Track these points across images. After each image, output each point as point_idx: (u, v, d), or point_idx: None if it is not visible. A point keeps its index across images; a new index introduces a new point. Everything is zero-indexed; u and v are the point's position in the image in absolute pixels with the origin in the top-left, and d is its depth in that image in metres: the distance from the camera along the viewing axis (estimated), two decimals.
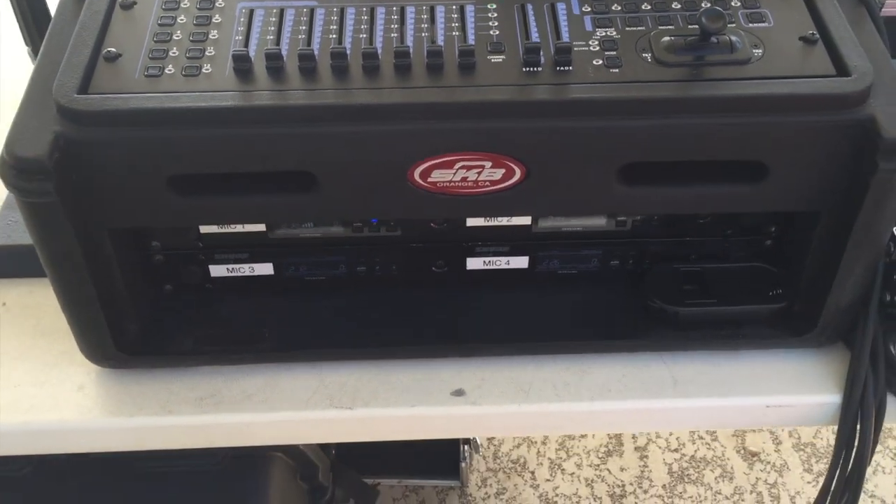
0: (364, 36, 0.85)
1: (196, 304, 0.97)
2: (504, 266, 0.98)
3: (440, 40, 0.84)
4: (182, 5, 0.87)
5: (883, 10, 1.03)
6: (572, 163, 0.82)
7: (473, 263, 0.98)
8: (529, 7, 0.88)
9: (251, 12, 0.87)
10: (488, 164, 0.82)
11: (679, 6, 0.87)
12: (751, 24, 0.86)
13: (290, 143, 0.80)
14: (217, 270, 0.96)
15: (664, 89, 0.80)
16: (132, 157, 0.79)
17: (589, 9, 0.88)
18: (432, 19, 0.87)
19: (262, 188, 0.84)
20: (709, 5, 0.87)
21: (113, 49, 0.82)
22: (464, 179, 0.83)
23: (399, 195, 0.83)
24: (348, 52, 0.82)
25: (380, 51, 0.82)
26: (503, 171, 0.83)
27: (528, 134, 0.80)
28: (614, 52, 0.83)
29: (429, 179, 0.83)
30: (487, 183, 0.84)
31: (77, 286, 0.83)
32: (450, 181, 0.83)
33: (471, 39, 0.84)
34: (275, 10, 0.87)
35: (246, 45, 0.83)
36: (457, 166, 0.82)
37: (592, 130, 0.80)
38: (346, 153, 0.81)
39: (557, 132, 0.80)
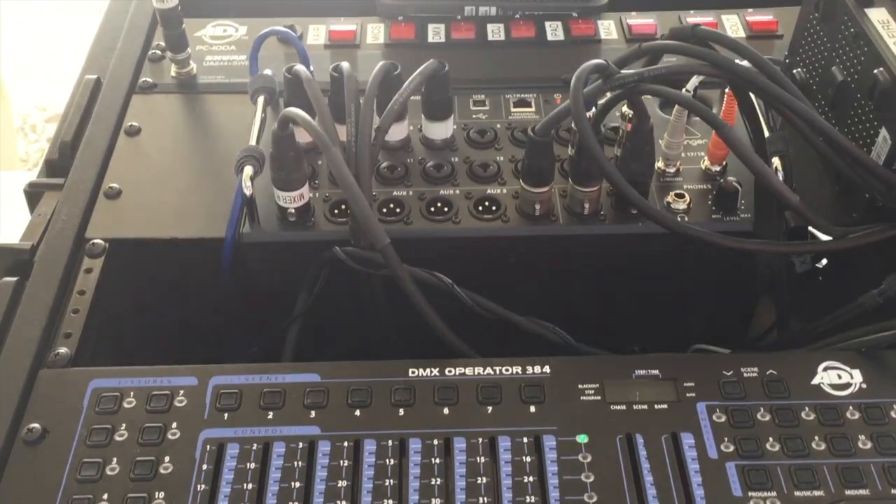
0: None
1: None
2: None
3: None
4: (116, 436, 0.58)
5: None
6: None
7: None
8: (639, 441, 0.58)
9: (219, 451, 0.57)
10: None
11: (868, 439, 0.58)
12: None
13: None
14: None
15: None
16: None
17: (731, 448, 0.58)
18: (494, 458, 0.57)
19: None
20: None
21: None
22: None
23: None
24: None
25: None
26: None
27: None
28: None
29: None
30: None
31: None
32: None
33: None
34: (255, 448, 0.58)
35: None
36: None
37: None
38: None
39: None
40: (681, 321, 0.81)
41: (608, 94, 0.70)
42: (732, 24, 0.93)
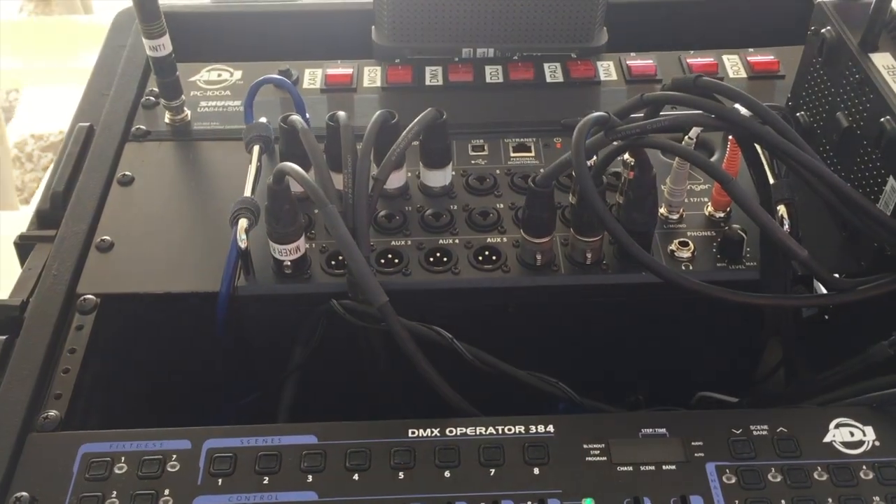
0: None
1: None
2: None
3: None
4: None
5: None
6: None
7: None
8: None
9: None
10: None
11: (882, 500, 0.56)
12: None
13: None
14: None
15: None
16: None
17: None
18: None
19: None
20: None
21: None
22: None
23: None
24: None
25: None
26: None
27: None
28: None
29: None
30: None
31: None
32: None
33: None
34: None
35: None
36: None
37: None
38: None
39: None
40: (686, 368, 0.80)
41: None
42: (733, 65, 0.92)
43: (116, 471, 0.58)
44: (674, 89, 0.67)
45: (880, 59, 0.71)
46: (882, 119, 0.66)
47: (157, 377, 0.74)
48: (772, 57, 0.92)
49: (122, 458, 0.58)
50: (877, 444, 0.59)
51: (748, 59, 0.92)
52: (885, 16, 0.71)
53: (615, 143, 0.66)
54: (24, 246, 0.75)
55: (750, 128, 0.63)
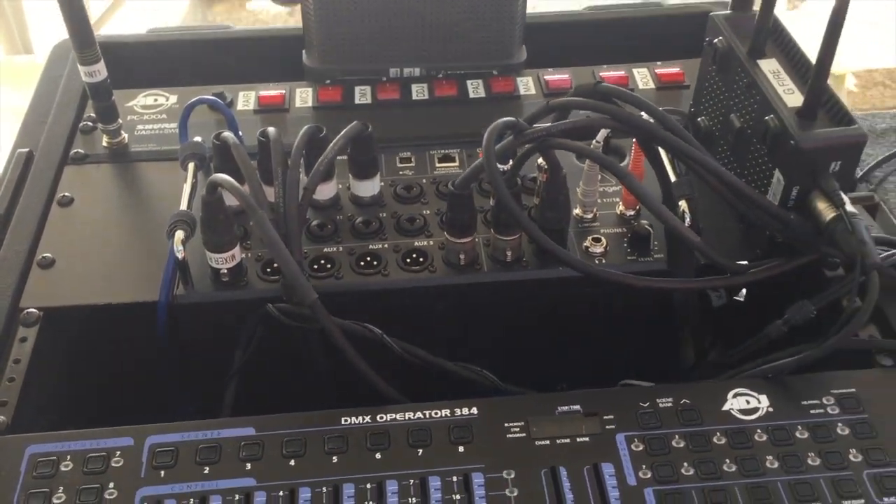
0: None
1: None
2: None
3: None
4: (54, 499, 0.59)
5: None
6: None
7: None
8: (563, 473, 0.61)
9: None
10: None
11: (775, 459, 0.61)
12: None
13: None
14: None
15: None
16: None
17: (649, 474, 0.61)
18: (425, 498, 0.59)
19: None
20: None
21: None
22: None
23: None
24: None
25: None
26: None
27: None
28: None
29: None
30: None
31: None
32: None
33: None
34: (192, 502, 0.59)
35: None
36: None
37: None
38: None
39: None
40: (607, 358, 0.85)
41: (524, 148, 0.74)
42: (643, 77, 0.98)
43: (62, 468, 0.61)
44: (577, 96, 0.73)
45: (767, 65, 0.77)
46: (766, 117, 0.73)
47: (103, 387, 0.77)
48: (678, 69, 0.99)
49: (68, 457, 0.61)
50: (770, 409, 0.65)
51: (656, 71, 0.99)
52: (769, 24, 0.78)
53: (525, 146, 0.71)
54: None
55: (643, 127, 0.69)
